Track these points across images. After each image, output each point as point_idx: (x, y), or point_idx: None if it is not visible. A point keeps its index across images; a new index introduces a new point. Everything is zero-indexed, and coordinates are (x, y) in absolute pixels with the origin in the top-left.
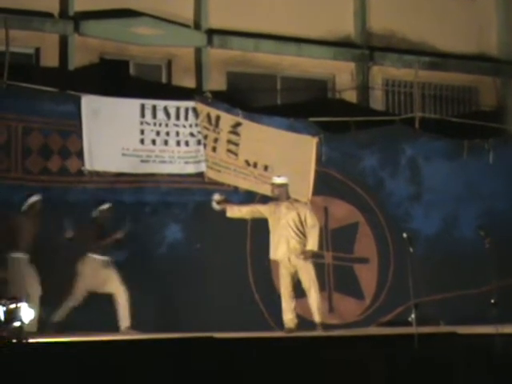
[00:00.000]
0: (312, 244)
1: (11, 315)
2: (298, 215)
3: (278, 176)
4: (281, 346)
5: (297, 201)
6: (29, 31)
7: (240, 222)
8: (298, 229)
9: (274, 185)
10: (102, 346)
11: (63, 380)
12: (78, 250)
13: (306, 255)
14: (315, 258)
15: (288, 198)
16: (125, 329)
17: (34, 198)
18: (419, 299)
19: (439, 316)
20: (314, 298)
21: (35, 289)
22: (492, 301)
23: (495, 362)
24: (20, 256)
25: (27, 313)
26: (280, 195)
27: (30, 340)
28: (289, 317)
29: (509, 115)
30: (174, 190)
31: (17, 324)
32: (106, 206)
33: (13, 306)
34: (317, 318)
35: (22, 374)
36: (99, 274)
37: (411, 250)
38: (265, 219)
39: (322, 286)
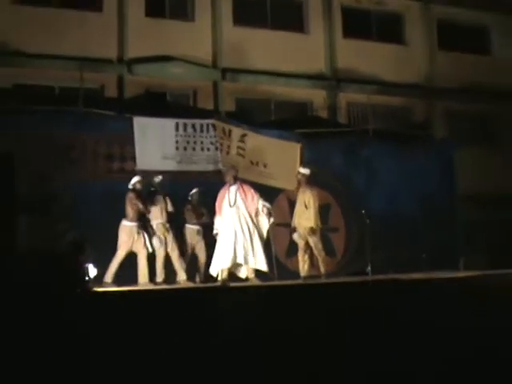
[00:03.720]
0: (312, 221)
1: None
2: (306, 198)
3: (303, 167)
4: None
5: (310, 187)
6: (95, 73)
7: None
8: (306, 208)
9: (299, 173)
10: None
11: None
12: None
13: (310, 231)
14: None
15: (307, 183)
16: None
17: (136, 179)
18: (374, 256)
19: (387, 267)
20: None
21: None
22: (423, 255)
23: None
24: (129, 224)
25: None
26: (301, 180)
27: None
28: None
29: (433, 126)
30: (200, 181)
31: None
32: (195, 191)
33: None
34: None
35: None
36: (196, 240)
37: (368, 221)
38: None
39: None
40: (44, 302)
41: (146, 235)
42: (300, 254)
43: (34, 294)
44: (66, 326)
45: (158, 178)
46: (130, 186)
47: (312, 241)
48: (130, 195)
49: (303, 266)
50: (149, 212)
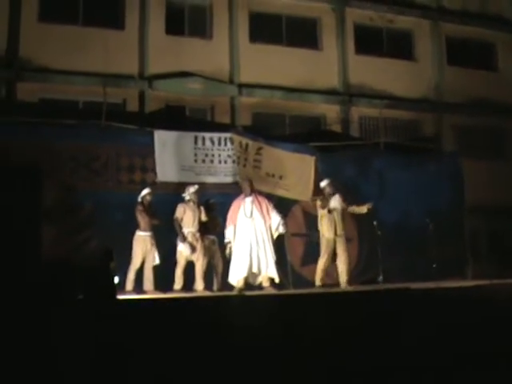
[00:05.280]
0: (340, 227)
1: None
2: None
3: (322, 181)
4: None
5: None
6: (118, 88)
7: None
8: (333, 215)
9: (324, 186)
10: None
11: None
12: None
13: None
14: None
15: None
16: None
17: (146, 191)
18: (385, 266)
19: (398, 277)
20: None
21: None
22: (434, 265)
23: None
24: (143, 234)
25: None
26: (327, 192)
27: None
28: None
29: (442, 139)
30: (217, 193)
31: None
32: (212, 201)
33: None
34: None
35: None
36: (213, 249)
37: (379, 233)
38: None
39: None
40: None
41: (155, 246)
42: (321, 262)
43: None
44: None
45: (194, 188)
46: (139, 199)
47: (341, 246)
48: (139, 207)
49: (323, 276)
50: (157, 223)
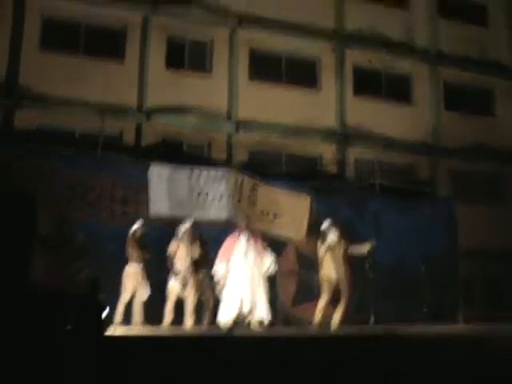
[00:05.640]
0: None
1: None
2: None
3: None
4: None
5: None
6: (116, 119)
7: None
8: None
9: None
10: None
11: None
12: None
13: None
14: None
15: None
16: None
17: (137, 225)
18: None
19: (390, 319)
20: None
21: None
22: (424, 309)
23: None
24: (134, 266)
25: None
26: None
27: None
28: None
29: (438, 183)
30: (211, 228)
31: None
32: (204, 237)
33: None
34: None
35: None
36: (204, 285)
37: (371, 275)
38: None
39: (313, 298)
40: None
41: (145, 279)
42: (321, 303)
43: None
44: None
45: (188, 224)
46: (131, 232)
47: (344, 287)
48: (131, 240)
49: (322, 316)
50: (148, 257)
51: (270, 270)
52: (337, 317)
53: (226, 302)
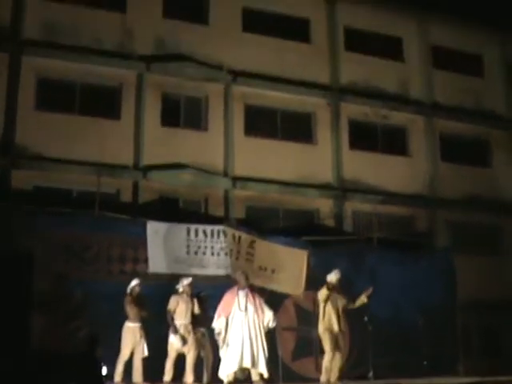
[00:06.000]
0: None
1: None
2: (340, 303)
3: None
4: None
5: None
6: (112, 178)
7: None
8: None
9: (331, 281)
10: None
11: None
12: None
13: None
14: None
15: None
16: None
17: (134, 282)
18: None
19: (389, 372)
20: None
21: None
22: (424, 362)
23: None
24: (132, 325)
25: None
26: (335, 287)
27: None
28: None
29: (435, 235)
30: (209, 285)
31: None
32: (203, 294)
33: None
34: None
35: None
36: (203, 342)
37: (370, 328)
38: None
39: (311, 352)
40: None
41: (144, 337)
42: (328, 358)
43: None
44: None
45: (188, 280)
46: (128, 290)
47: (343, 341)
48: (128, 298)
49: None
50: (145, 315)
51: (270, 325)
52: (335, 371)
53: (225, 357)
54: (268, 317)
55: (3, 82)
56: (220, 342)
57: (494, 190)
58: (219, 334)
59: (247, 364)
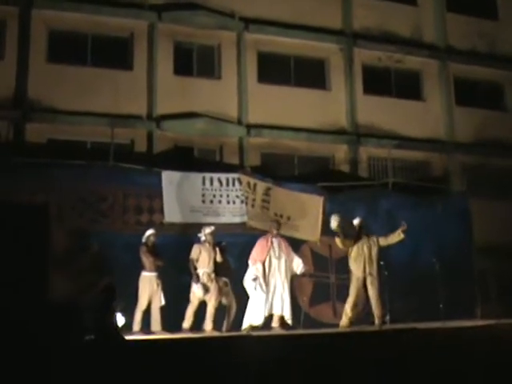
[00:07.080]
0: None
1: None
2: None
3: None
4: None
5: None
6: (126, 129)
7: None
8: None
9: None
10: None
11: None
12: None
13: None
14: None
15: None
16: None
17: (149, 232)
18: (392, 306)
19: (406, 316)
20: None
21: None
22: (441, 305)
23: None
24: (148, 274)
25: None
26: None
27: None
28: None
29: (451, 179)
30: (225, 234)
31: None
32: (223, 243)
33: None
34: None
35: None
36: (225, 290)
37: (386, 273)
38: None
39: (329, 298)
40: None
41: (160, 287)
42: (351, 300)
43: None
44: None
45: (210, 229)
46: (143, 240)
47: (373, 286)
48: (143, 248)
49: (351, 315)
50: (161, 264)
51: (298, 272)
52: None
53: (255, 305)
54: (297, 263)
55: (14, 36)
56: (256, 287)
57: (510, 132)
58: (255, 279)
59: (277, 311)
